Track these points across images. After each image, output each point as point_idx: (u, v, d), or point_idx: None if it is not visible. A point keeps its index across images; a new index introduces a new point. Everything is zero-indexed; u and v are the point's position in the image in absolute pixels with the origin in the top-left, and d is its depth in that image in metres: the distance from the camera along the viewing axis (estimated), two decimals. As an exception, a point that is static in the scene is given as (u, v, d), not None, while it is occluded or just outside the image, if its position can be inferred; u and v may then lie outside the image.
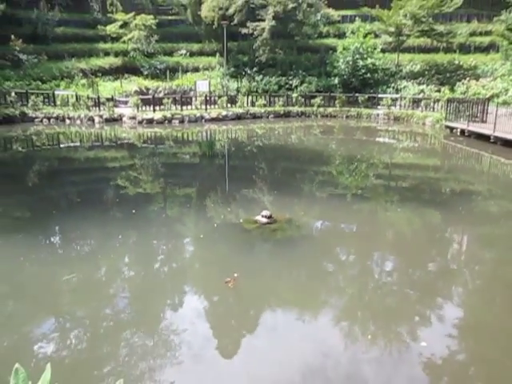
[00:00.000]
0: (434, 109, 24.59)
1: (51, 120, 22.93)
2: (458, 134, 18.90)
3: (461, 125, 18.91)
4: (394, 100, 26.65)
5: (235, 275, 5.14)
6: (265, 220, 6.99)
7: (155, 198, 9.66)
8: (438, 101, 24.44)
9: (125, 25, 31.72)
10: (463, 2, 28.23)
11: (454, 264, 6.22)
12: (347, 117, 26.27)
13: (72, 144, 18.02)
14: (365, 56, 28.00)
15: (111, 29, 31.57)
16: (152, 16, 31.81)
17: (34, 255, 6.15)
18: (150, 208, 8.54)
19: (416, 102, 25.83)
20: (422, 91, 26.66)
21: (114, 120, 22.75)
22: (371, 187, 10.73)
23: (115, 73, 30.85)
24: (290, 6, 28.05)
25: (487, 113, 18.45)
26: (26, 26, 30.22)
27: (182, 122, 22.66)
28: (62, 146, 17.65)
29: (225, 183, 10.94)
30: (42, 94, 24.73)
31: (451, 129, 19.82)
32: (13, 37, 27.53)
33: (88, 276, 5.44)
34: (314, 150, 16.58)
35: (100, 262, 5.97)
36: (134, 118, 22.45)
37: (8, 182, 10.97)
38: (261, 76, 29.62)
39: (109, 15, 32.50)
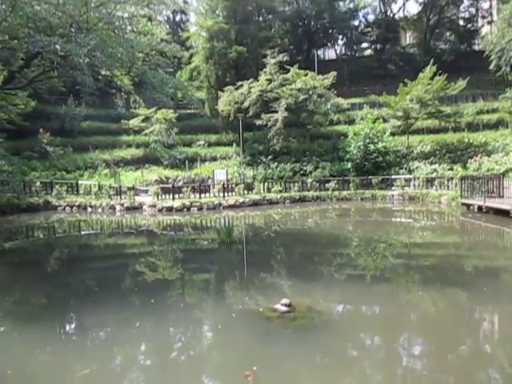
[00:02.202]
0: (448, 187, 24.76)
1: (73, 208, 23.65)
2: (476, 210, 18.80)
3: (477, 201, 18.87)
4: (408, 180, 27.00)
5: (254, 368, 4.94)
6: (284, 308, 6.84)
7: (174, 284, 9.62)
8: (452, 179, 24.69)
9: (147, 119, 33.87)
10: (467, 83, 29.60)
11: (485, 347, 5.90)
12: (362, 199, 26.51)
13: (93, 231, 18.41)
14: (375, 140, 28.94)
15: (134, 123, 33.70)
16: (172, 110, 33.95)
17: (50, 346, 6.05)
18: (168, 295, 8.48)
19: (430, 182, 26.10)
20: (435, 170, 27.08)
21: (135, 208, 23.35)
22: (391, 268, 10.54)
23: (137, 163, 32.30)
24: (301, 97, 29.80)
25: (503, 188, 18.50)
26: (55, 121, 32.50)
27: (200, 209, 23.10)
28: (82, 233, 18.03)
29: (243, 269, 10.89)
30: (66, 183, 25.82)
31: (468, 206, 19.76)
32: (41, 130, 29.57)
33: (103, 368, 5.30)
34: (330, 232, 16.58)
35: (116, 352, 5.84)
36: (153, 206, 23.02)
37: (27, 269, 11.11)
38: (276, 163, 30.58)
39: (132, 110, 34.83)
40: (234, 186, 26.94)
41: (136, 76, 17.08)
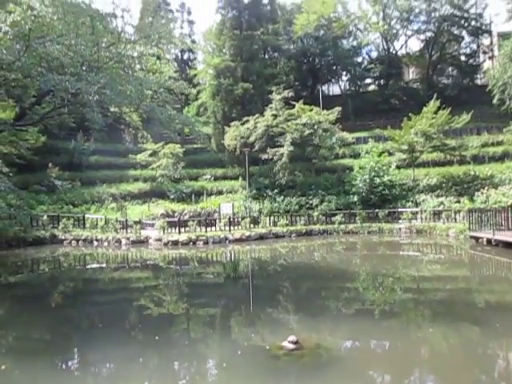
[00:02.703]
0: (455, 220, 24.58)
1: (79, 242, 23.68)
2: (485, 243, 18.56)
3: (486, 234, 18.65)
4: (415, 213, 26.86)
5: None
6: (291, 346, 6.69)
7: (178, 319, 9.48)
8: (459, 212, 24.53)
9: (154, 153, 34.36)
10: (471, 116, 29.87)
11: (500, 389, 5.70)
12: (369, 232, 26.32)
13: (98, 265, 18.35)
14: (381, 174, 29.02)
15: (141, 157, 34.18)
16: (179, 145, 34.43)
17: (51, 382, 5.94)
18: (172, 330, 8.34)
19: (437, 214, 25.94)
20: (442, 203, 26.96)
21: (141, 242, 23.32)
22: (400, 302, 10.33)
23: (143, 197, 32.53)
24: (307, 132, 30.21)
25: (512, 220, 18.29)
26: (64, 155, 33.08)
27: (206, 243, 23.02)
28: (88, 267, 17.97)
29: (249, 304, 10.73)
30: (73, 217, 25.95)
31: (476, 239, 19.53)
32: (50, 165, 30.04)
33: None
34: (337, 266, 16.39)
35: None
36: (159, 239, 22.99)
37: (31, 304, 11.00)
38: (282, 197, 30.63)
39: (140, 145, 35.41)
40: (239, 219, 26.91)
41: (144, 112, 17.47)
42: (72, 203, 28.75)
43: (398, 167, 31.33)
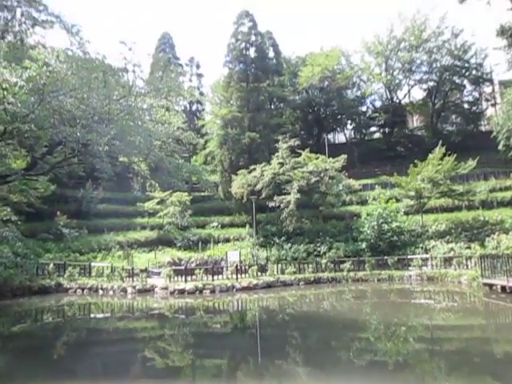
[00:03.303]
0: (467, 266, 24.07)
1: (85, 290, 23.38)
2: (499, 290, 18.02)
3: (500, 281, 18.13)
4: (425, 260, 26.39)
5: None
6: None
7: (184, 371, 9.16)
8: (470, 258, 24.08)
9: (161, 201, 34.56)
10: (477, 161, 29.98)
11: None
12: (379, 280, 25.78)
13: (102, 315, 18.01)
14: (389, 220, 28.82)
15: (149, 205, 34.39)
16: (187, 193, 34.70)
17: None
18: (177, 383, 8.06)
19: (448, 261, 25.46)
20: (452, 249, 26.49)
21: (147, 290, 22.99)
22: (414, 353, 9.94)
23: (150, 245, 32.40)
24: (313, 179, 30.42)
25: (527, 267, 17.84)
26: (72, 203, 33.36)
27: (213, 291, 22.64)
28: (92, 316, 17.65)
29: (257, 355, 10.39)
30: (79, 265, 25.81)
31: (490, 286, 18.99)
32: (58, 213, 30.24)
33: None
34: (348, 315, 15.95)
35: None
36: (165, 288, 22.67)
37: (33, 355, 10.73)
38: (289, 244, 30.34)
39: (147, 193, 35.74)
40: (247, 267, 26.59)
41: (153, 162, 17.78)
42: (79, 251, 28.67)
43: (406, 213, 31.15)
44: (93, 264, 26.08)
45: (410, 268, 26.29)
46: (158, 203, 34.67)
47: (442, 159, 29.48)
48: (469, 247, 26.11)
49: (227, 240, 33.99)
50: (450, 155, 29.49)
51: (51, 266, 24.78)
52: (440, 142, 31.05)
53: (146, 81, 17.00)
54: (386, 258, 27.17)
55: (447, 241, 27.84)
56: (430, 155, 30.23)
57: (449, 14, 45.25)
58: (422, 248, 27.87)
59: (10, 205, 24.82)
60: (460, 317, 15.00)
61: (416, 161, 30.29)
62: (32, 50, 14.86)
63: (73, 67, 13.89)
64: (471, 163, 29.84)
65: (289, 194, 30.61)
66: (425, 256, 26.68)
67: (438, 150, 30.01)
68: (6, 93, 13.22)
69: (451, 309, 16.69)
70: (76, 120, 14.79)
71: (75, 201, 33.88)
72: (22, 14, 18.38)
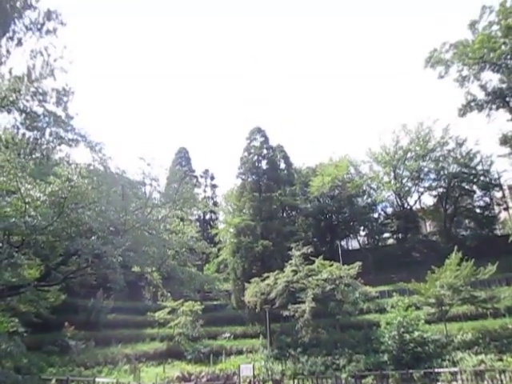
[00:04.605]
0: (501, 381, 22.01)
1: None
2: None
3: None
4: (454, 374, 24.24)
5: None
6: None
7: None
8: (504, 372, 22.17)
9: (173, 311, 33.78)
10: (497, 266, 29.07)
11: None
12: (405, 398, 23.68)
13: None
14: (410, 329, 27.33)
15: (160, 315, 33.57)
16: (198, 302, 34.00)
17: None
18: None
19: (479, 375, 23.30)
20: (482, 362, 24.50)
21: (152, 411, 21.43)
22: None
23: (159, 357, 31.07)
24: (328, 287, 29.78)
25: None
26: (81, 314, 32.66)
27: (223, 411, 21.02)
28: None
29: None
30: (83, 381, 24.42)
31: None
32: (66, 324, 29.38)
33: None
34: None
35: None
36: (172, 408, 21.14)
37: None
38: (306, 356, 28.73)
39: (158, 302, 35.07)
40: (261, 382, 24.93)
41: (165, 271, 17.75)
42: (84, 365, 27.33)
43: (428, 322, 29.59)
44: (97, 380, 24.68)
45: (439, 383, 24.22)
46: (169, 313, 33.86)
47: (459, 264, 28.84)
48: (500, 359, 24.26)
49: (240, 352, 32.43)
50: (467, 260, 28.88)
51: (53, 381, 23.49)
52: (456, 247, 30.63)
53: (163, 193, 17.70)
54: (410, 371, 25.18)
55: (475, 352, 25.95)
56: (447, 260, 29.64)
57: (452, 122, 47.19)
58: (448, 360, 25.94)
59: (18, 315, 24.36)
60: None
61: (433, 266, 29.68)
62: (56, 167, 15.82)
63: (93, 182, 14.64)
64: (491, 268, 29.03)
65: (303, 302, 29.78)
66: (453, 369, 24.64)
67: (455, 256, 29.49)
68: (27, 206, 13.81)
69: None
70: (92, 231, 15.16)
71: (85, 310, 33.22)
72: (51, 134, 19.81)
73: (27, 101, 18.31)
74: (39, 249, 19.31)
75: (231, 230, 40.05)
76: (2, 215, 13.37)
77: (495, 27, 29.93)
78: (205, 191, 56.09)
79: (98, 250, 13.59)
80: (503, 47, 29.69)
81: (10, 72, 17.64)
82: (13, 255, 14.12)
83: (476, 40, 30.18)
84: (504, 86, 32.27)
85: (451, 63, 32.49)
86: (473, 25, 31.13)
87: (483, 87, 32.96)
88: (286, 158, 47.23)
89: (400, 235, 49.08)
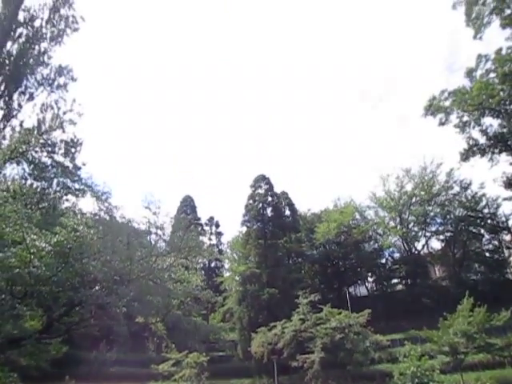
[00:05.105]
0: None
1: None
2: None
3: None
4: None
5: None
6: None
7: None
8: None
9: (177, 362, 32.62)
10: None
11: None
12: None
13: None
14: (425, 380, 26.10)
15: (164, 367, 32.40)
16: (204, 353, 32.93)
17: None
18: None
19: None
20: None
21: None
22: None
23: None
24: (338, 336, 28.89)
25: None
26: (83, 366, 31.58)
27: None
28: None
29: None
30: None
31: None
32: (67, 377, 28.33)
33: None
34: None
35: None
36: None
37: None
38: (316, 412, 27.42)
39: (163, 354, 33.98)
40: None
41: (170, 321, 17.34)
42: None
43: (443, 372, 28.29)
44: None
45: None
46: (173, 365, 32.68)
47: (472, 310, 27.97)
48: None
49: (248, 406, 31.04)
50: (480, 306, 28.04)
51: None
52: (467, 292, 29.87)
53: (168, 242, 17.60)
54: (428, 426, 23.91)
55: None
56: (459, 306, 28.81)
57: (455, 166, 47.10)
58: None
59: (18, 369, 23.55)
60: None
61: (444, 313, 28.81)
62: (63, 217, 15.89)
63: (99, 231, 14.62)
64: (505, 314, 28.12)
65: (312, 352, 28.85)
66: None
67: (466, 301, 28.69)
68: (32, 256, 13.73)
69: None
70: (97, 281, 14.97)
71: (87, 363, 32.23)
72: (58, 184, 20.03)
73: (36, 152, 18.71)
74: (42, 299, 18.98)
75: (237, 277, 39.57)
76: (6, 266, 13.27)
77: (492, 74, 30.78)
78: (210, 239, 56.03)
79: (102, 300, 13.35)
80: (501, 93, 30.40)
81: (21, 125, 18.15)
82: (15, 306, 13.88)
83: (474, 87, 30.95)
84: (505, 130, 32.75)
85: (451, 110, 33.15)
86: (470, 72, 32.02)
87: (484, 132, 33.44)
88: (290, 205, 47.36)
89: (409, 280, 48.16)
